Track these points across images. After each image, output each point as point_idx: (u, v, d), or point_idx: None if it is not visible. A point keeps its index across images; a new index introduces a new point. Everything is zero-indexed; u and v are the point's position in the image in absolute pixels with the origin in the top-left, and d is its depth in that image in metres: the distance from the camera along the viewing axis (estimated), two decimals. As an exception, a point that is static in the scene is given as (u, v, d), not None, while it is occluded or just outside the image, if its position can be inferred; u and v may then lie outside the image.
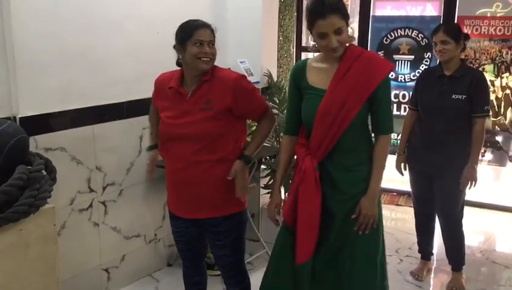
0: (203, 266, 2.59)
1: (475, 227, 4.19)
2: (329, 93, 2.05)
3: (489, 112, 3.13)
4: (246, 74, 3.66)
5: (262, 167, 3.65)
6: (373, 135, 2.19)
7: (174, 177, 2.31)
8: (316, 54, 2.20)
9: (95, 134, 2.86)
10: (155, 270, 3.44)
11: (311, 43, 5.09)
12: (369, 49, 4.88)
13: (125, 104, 3.00)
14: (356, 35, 4.93)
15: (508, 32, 4.42)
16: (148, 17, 3.09)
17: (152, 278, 3.40)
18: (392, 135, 2.27)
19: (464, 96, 2.98)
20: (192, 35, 2.14)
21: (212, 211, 2.28)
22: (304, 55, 5.21)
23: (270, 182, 3.65)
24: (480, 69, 4.46)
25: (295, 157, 2.28)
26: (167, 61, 2.31)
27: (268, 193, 3.64)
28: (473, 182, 3.06)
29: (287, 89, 4.64)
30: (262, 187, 3.69)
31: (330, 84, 2.06)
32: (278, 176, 2.31)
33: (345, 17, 2.00)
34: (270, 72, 3.95)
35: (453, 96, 3.00)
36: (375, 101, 2.07)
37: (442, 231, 3.28)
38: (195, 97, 2.21)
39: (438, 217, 3.29)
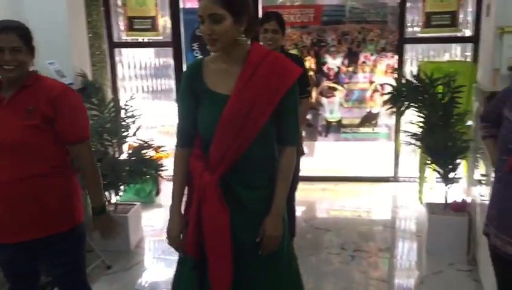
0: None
1: (297, 199, 4.61)
2: (233, 100, 1.77)
3: (310, 92, 3.39)
4: (57, 77, 3.41)
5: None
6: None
7: None
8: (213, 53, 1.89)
9: None
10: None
11: (125, 38, 5.01)
12: (182, 41, 4.94)
13: None
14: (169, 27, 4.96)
15: (305, 19, 4.86)
16: None
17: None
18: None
19: None
20: None
21: (43, 230, 2.08)
22: (117, 51, 5.06)
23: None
24: (286, 54, 4.86)
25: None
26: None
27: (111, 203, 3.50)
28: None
29: (105, 88, 4.56)
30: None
31: (234, 90, 1.78)
32: (175, 196, 1.94)
33: (229, 6, 1.71)
34: (84, 72, 3.74)
35: None
36: (281, 109, 1.81)
37: None
38: (14, 104, 1.99)
39: None
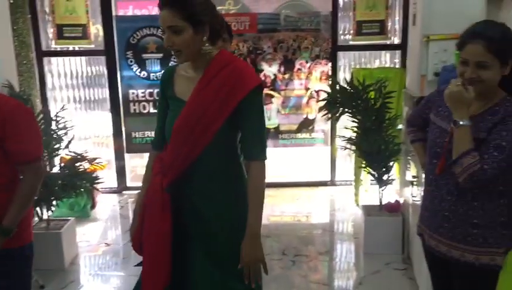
0: None
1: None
2: (187, 106, 1.79)
3: None
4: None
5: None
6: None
7: None
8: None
9: None
10: None
11: (54, 46, 4.81)
12: (116, 49, 4.82)
13: None
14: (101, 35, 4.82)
15: (241, 27, 4.88)
16: None
17: None
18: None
19: None
20: None
21: None
22: (46, 60, 4.85)
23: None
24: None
25: None
26: None
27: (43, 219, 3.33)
28: None
29: (33, 99, 4.35)
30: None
31: (190, 95, 1.80)
32: (139, 197, 1.96)
33: (189, 18, 1.71)
34: (10, 83, 3.54)
35: None
36: (240, 122, 1.79)
37: None
38: None
39: None
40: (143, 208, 1.91)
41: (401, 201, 3.80)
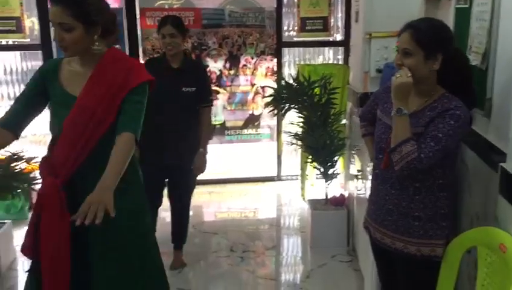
0: None
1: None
2: (78, 102, 1.81)
3: (213, 101, 3.37)
4: None
5: None
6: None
7: None
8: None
9: None
10: None
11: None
12: (53, 43, 4.61)
13: None
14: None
15: (185, 22, 4.76)
16: None
17: None
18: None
19: (193, 88, 3.11)
20: None
21: None
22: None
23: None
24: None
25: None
26: None
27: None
28: (204, 168, 3.28)
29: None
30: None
31: (81, 91, 1.82)
32: None
33: (80, 16, 1.74)
34: None
35: (184, 88, 3.09)
36: (122, 107, 1.83)
37: (174, 215, 3.41)
38: None
39: (173, 203, 3.38)
40: (36, 211, 1.88)
41: (346, 194, 3.88)
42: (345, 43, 4.83)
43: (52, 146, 1.90)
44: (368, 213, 2.10)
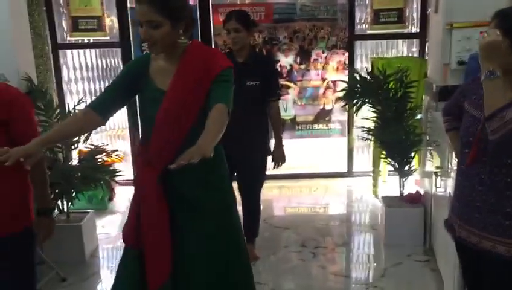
0: None
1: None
2: (169, 95, 1.87)
3: (281, 95, 3.39)
4: (-2, 80, 3.21)
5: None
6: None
7: None
8: None
9: None
10: None
11: (69, 39, 4.81)
12: (131, 41, 4.79)
13: None
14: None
15: (256, 17, 4.83)
16: None
17: None
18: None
19: (257, 82, 3.12)
20: None
21: None
22: (62, 53, 4.85)
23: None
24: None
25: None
26: None
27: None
28: (282, 162, 3.31)
29: (51, 92, 4.34)
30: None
31: (169, 86, 1.88)
32: (47, 134, 1.96)
33: (167, 13, 1.79)
34: (29, 76, 3.53)
35: (248, 82, 3.11)
36: (211, 92, 1.85)
37: (245, 209, 3.42)
38: None
39: (243, 197, 3.38)
40: (136, 202, 1.98)
41: (422, 192, 3.75)
42: (421, 35, 4.66)
43: (144, 139, 1.96)
44: (452, 210, 2.01)
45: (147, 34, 1.81)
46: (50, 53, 4.61)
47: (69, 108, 3.67)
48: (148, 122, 1.93)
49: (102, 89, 4.85)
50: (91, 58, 5.00)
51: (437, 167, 3.08)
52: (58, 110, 3.59)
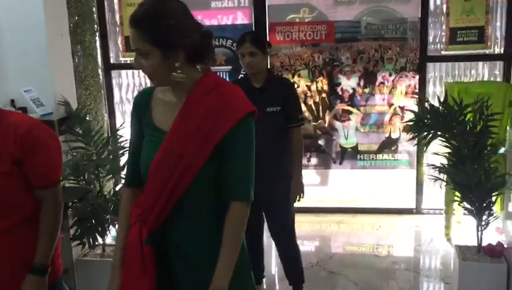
0: None
1: (309, 233, 4.19)
2: (167, 140, 1.53)
3: (303, 120, 3.05)
4: (33, 106, 3.07)
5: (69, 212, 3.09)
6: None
7: None
8: None
9: None
10: None
11: (123, 59, 4.68)
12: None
13: None
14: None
15: (317, 36, 4.47)
16: None
17: None
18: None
19: (278, 108, 2.84)
20: None
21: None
22: (115, 74, 4.73)
23: (78, 232, 3.09)
24: (295, 74, 4.49)
25: None
26: None
27: (79, 244, 3.11)
28: (302, 194, 2.97)
29: (94, 115, 4.21)
30: (71, 238, 3.11)
31: (172, 126, 1.54)
32: (117, 245, 1.64)
33: (156, 41, 1.44)
34: (66, 100, 3.36)
35: (268, 109, 2.82)
36: (225, 153, 1.53)
37: (278, 249, 3.12)
38: None
39: (272, 235, 3.10)
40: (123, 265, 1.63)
41: (505, 243, 3.17)
42: (506, 57, 4.07)
43: (143, 189, 1.63)
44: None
45: (138, 62, 1.50)
46: (102, 73, 4.50)
47: (109, 133, 3.45)
48: (143, 168, 1.59)
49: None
50: (140, 79, 4.83)
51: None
52: (104, 136, 3.38)
